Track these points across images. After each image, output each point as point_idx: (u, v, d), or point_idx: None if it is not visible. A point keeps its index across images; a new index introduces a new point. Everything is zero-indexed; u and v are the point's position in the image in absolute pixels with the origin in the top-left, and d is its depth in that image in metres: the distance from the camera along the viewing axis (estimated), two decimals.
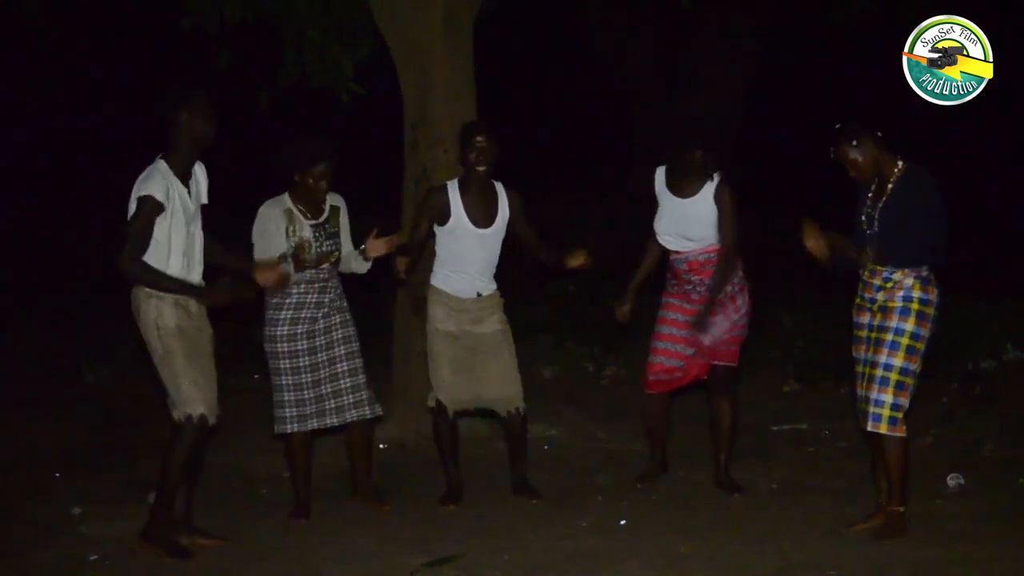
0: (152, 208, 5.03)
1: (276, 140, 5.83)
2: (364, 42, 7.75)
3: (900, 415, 5.15)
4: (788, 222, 5.76)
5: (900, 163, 5.15)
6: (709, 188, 5.87)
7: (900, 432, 5.16)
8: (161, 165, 5.13)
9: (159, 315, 5.10)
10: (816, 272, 5.49)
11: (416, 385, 6.67)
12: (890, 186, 5.14)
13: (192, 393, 5.13)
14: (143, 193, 5.04)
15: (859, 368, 5.29)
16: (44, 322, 10.08)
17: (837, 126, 5.21)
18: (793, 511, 5.70)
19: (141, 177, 5.11)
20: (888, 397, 5.13)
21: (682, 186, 5.90)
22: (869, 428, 5.19)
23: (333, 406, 5.72)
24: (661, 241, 5.99)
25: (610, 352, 9.01)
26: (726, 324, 5.90)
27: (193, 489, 5.36)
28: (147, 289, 5.10)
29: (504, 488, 6.10)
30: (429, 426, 6.62)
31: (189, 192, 5.20)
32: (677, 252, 5.95)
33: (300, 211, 5.65)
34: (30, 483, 6.33)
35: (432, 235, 5.92)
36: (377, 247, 5.69)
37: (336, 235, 5.74)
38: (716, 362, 5.98)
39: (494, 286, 5.95)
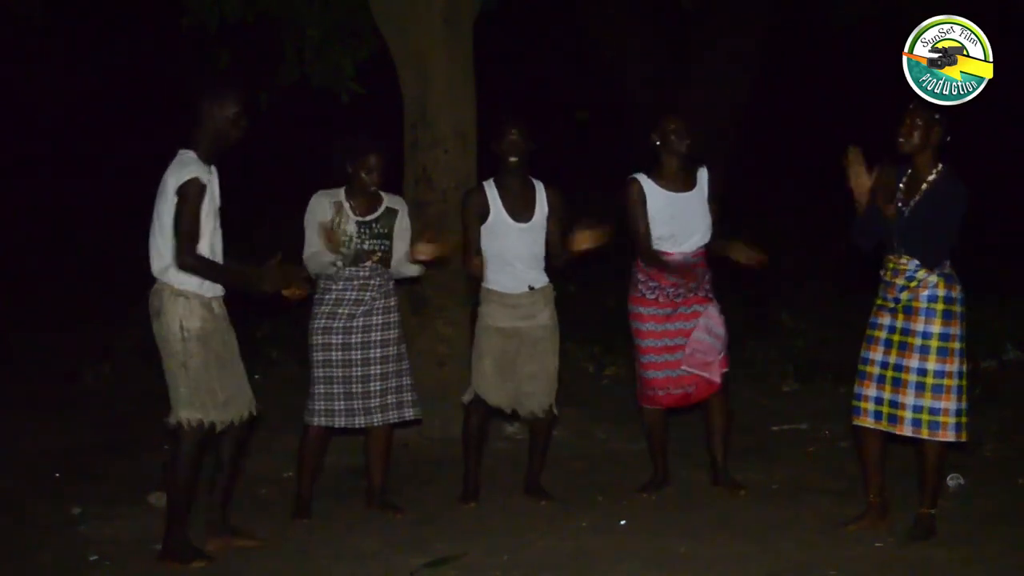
0: (199, 191, 4.78)
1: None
2: (364, 42, 7.76)
3: (964, 420, 5.16)
4: (787, 222, 5.74)
5: (940, 166, 5.19)
6: (703, 178, 5.93)
7: (963, 437, 5.18)
8: (189, 154, 4.90)
9: (186, 316, 4.89)
10: (818, 268, 5.48)
11: (417, 385, 6.65)
12: (924, 186, 5.17)
13: (207, 400, 4.96)
14: (188, 177, 4.78)
15: (868, 368, 5.28)
16: (44, 322, 10.07)
17: None
18: (793, 511, 5.70)
19: (174, 166, 4.87)
20: (949, 404, 5.12)
21: (675, 180, 5.88)
22: (926, 436, 5.16)
23: (361, 406, 5.68)
24: (662, 246, 5.86)
25: (610, 352, 9.01)
26: (705, 337, 5.87)
27: (231, 490, 5.29)
28: (176, 287, 4.88)
29: (504, 488, 6.10)
30: (430, 426, 6.64)
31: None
32: (668, 254, 5.89)
33: (351, 206, 5.65)
34: (30, 483, 6.32)
35: None
36: (424, 251, 5.64)
37: (385, 236, 5.69)
38: (711, 392, 5.97)
39: (546, 278, 5.91)
